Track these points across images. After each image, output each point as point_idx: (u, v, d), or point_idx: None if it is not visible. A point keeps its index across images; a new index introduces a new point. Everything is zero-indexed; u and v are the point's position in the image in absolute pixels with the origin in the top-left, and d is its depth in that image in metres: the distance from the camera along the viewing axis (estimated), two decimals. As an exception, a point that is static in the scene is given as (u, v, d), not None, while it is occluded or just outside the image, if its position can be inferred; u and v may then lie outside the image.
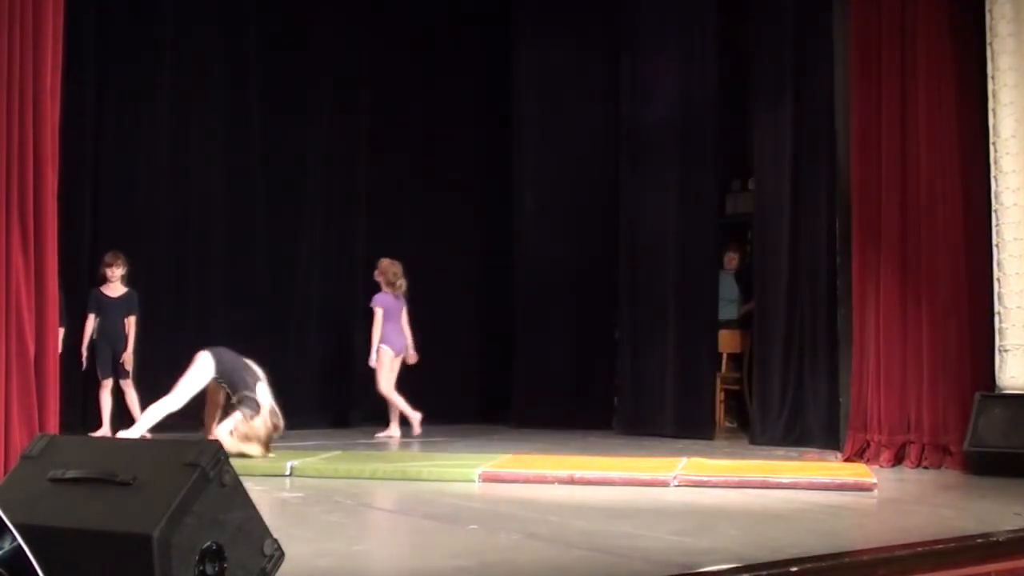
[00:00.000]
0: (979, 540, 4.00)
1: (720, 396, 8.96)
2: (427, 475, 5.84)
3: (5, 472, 4.34)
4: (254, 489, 3.20)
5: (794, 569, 3.40)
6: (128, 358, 7.88)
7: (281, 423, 6.62)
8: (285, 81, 9.15)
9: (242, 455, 6.14)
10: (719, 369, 8.97)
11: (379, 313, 8.21)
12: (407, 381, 8.81)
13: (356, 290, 9.51)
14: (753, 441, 7.91)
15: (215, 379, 6.81)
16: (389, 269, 8.32)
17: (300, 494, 5.27)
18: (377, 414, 9.29)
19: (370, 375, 9.63)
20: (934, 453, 6.44)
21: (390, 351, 8.25)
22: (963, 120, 6.54)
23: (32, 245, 4.93)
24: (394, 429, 8.26)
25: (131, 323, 7.92)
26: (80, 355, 7.75)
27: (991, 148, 6.38)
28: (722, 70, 8.56)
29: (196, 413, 7.20)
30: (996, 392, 6.26)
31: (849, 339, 6.95)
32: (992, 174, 6.37)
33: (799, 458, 6.95)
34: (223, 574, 2.81)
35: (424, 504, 4.97)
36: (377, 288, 8.34)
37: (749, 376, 8.56)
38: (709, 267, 8.78)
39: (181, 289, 8.66)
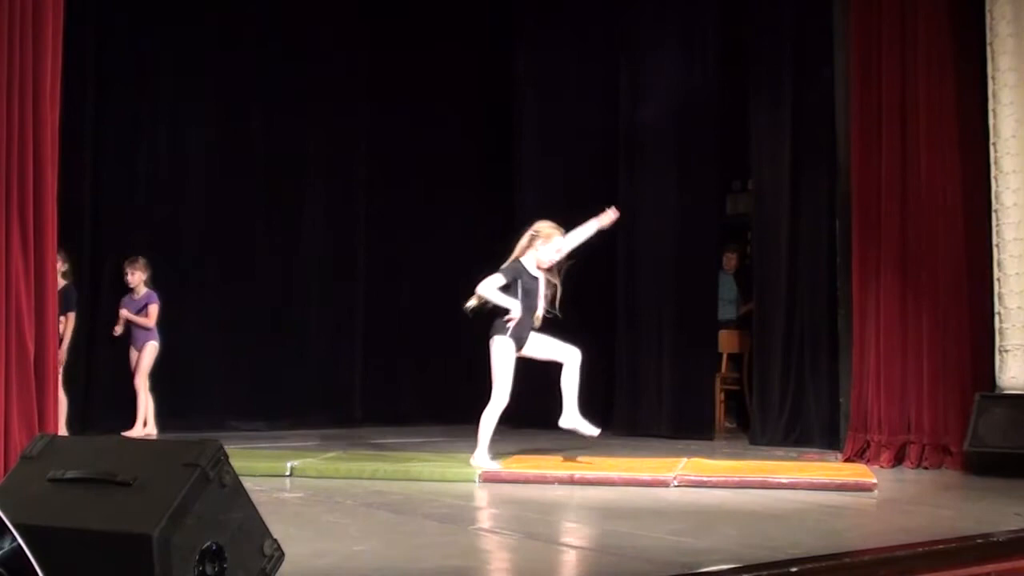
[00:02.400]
0: (979, 540, 4.00)
1: (720, 396, 8.96)
2: (427, 475, 5.84)
3: (5, 472, 4.34)
4: (254, 489, 3.20)
5: (794, 569, 3.40)
6: (59, 357, 7.52)
7: None
8: (284, 81, 9.14)
9: None
10: (719, 369, 8.97)
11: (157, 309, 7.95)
12: (409, 382, 8.82)
13: (356, 291, 9.51)
14: (753, 441, 7.91)
15: None
16: (147, 269, 8.06)
17: (300, 494, 5.27)
18: (378, 414, 9.31)
19: (369, 373, 9.63)
20: (934, 453, 6.44)
21: (158, 347, 7.99)
22: (963, 120, 6.55)
23: (32, 245, 4.93)
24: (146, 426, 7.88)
25: (65, 320, 7.31)
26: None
27: (991, 148, 6.38)
28: (722, 70, 8.57)
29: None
30: (996, 392, 6.26)
31: (849, 339, 6.95)
32: (992, 174, 6.37)
33: (799, 458, 6.95)
34: (223, 574, 2.81)
35: (424, 504, 4.97)
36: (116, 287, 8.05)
37: (749, 376, 8.57)
38: (709, 267, 8.79)
39: (180, 288, 8.65)
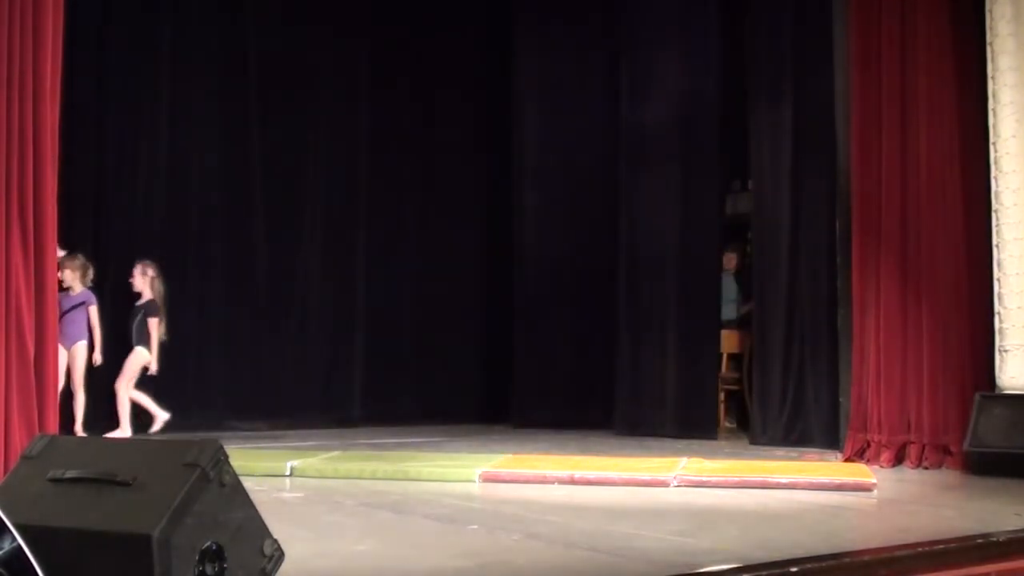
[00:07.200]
0: (979, 540, 4.00)
1: (720, 396, 8.96)
2: (427, 475, 5.84)
3: (5, 472, 4.33)
4: (254, 489, 3.20)
5: (794, 569, 3.40)
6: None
7: None
8: (285, 81, 9.15)
9: None
10: (719, 369, 8.97)
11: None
12: (410, 382, 8.79)
13: (356, 290, 9.51)
14: (753, 441, 7.92)
15: None
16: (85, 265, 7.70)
17: (300, 494, 5.27)
18: (378, 414, 9.31)
19: (369, 373, 9.62)
20: (934, 453, 6.44)
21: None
22: (963, 120, 6.55)
23: (32, 245, 4.92)
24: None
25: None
26: None
27: (991, 148, 6.38)
28: (722, 70, 8.57)
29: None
30: (996, 392, 6.26)
31: (849, 339, 6.95)
32: (992, 174, 6.37)
33: (799, 458, 6.95)
34: (223, 574, 2.81)
35: (424, 504, 4.97)
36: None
37: (749, 376, 8.56)
38: (710, 267, 8.78)
39: (181, 289, 8.65)
